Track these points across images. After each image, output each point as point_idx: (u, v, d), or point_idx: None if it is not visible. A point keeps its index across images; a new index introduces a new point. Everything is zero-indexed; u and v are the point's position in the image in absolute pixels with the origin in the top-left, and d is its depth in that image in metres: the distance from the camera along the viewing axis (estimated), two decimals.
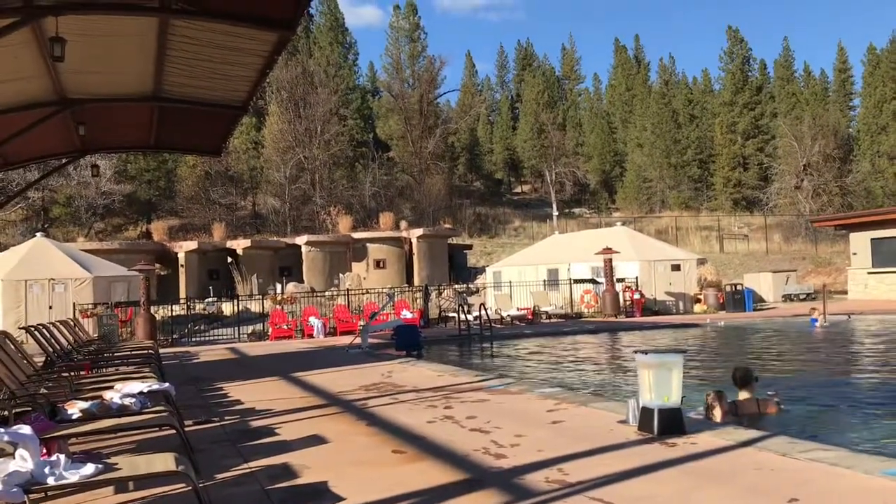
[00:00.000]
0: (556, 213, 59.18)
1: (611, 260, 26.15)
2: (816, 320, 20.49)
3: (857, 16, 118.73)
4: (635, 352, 6.46)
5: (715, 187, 65.40)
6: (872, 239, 30.14)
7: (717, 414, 7.37)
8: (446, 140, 64.94)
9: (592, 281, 27.93)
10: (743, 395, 8.22)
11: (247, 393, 10.09)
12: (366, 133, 63.03)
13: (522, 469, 5.30)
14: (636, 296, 26.94)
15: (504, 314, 25.06)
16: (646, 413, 6.22)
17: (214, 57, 9.84)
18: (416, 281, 35.38)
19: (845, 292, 31.61)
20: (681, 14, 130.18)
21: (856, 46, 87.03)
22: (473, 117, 76.61)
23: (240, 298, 26.82)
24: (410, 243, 38.18)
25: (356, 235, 38.64)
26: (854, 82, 73.81)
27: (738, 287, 28.54)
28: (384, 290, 26.25)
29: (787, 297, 31.68)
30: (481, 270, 38.81)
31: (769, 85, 72.33)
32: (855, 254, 31.14)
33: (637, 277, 27.66)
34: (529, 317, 25.44)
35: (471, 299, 27.04)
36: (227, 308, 27.87)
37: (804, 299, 30.83)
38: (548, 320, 25.88)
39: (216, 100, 11.76)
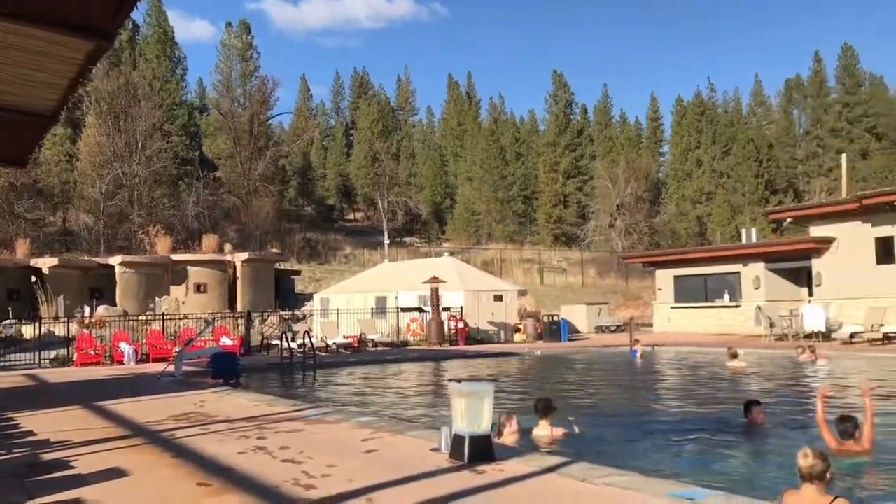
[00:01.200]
0: (387, 241, 59.58)
1: (437, 289, 26.59)
2: (636, 352, 21.79)
3: (666, 69, 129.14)
4: (449, 380, 6.57)
5: (538, 222, 68.42)
6: (675, 276, 32.56)
7: (506, 433, 7.86)
8: (277, 162, 63.88)
9: (419, 309, 28.24)
10: (542, 423, 8.62)
11: (42, 423, 9.31)
12: (192, 151, 60.77)
13: (331, 500, 5.22)
14: (460, 325, 27.52)
15: (330, 342, 24.80)
16: (457, 441, 6.32)
17: (21, 61, 9.14)
18: (240, 306, 34.28)
19: (651, 325, 33.84)
20: (510, 55, 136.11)
21: (666, 97, 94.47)
22: (307, 141, 75.95)
23: (43, 321, 24.82)
24: (235, 267, 36.99)
25: (176, 257, 36.92)
26: (664, 130, 79.99)
27: (555, 318, 29.86)
28: (203, 316, 25.24)
29: (600, 329, 33.51)
30: (309, 297, 38.25)
31: (589, 128, 76.95)
32: (660, 289, 33.48)
33: (462, 307, 28.27)
34: (355, 345, 25.33)
35: (297, 326, 26.56)
36: (28, 331, 25.73)
37: (614, 331, 32.75)
38: (374, 348, 25.88)
39: (21, 106, 10.90)
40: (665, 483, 5.49)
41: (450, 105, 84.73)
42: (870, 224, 25.50)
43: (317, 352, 20.95)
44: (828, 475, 4.99)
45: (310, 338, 20.81)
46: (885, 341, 21.92)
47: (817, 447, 5.19)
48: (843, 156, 37.91)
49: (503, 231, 65.71)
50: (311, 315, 31.43)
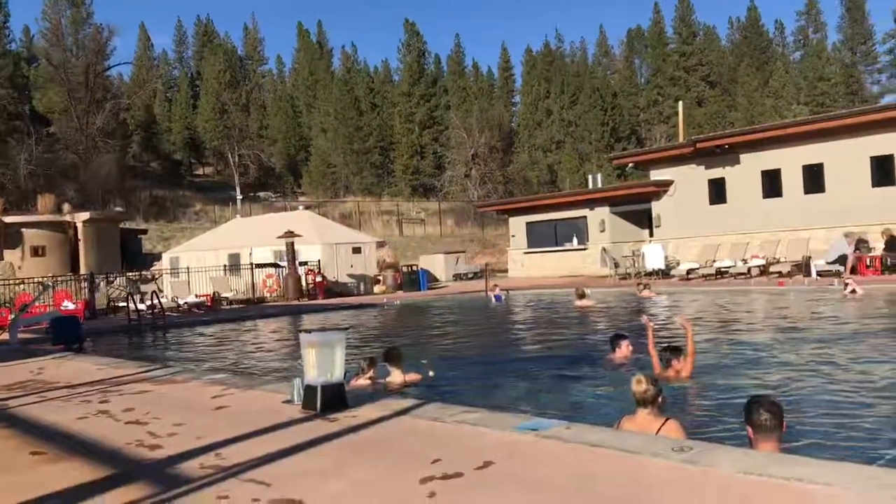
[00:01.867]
0: (239, 196, 57.82)
1: (293, 243, 26.16)
2: (500, 296, 22.37)
3: (516, 20, 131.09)
4: (299, 331, 6.50)
5: (395, 174, 68.36)
6: (527, 222, 33.57)
7: (362, 380, 8.22)
8: (118, 116, 60.32)
9: (275, 265, 27.74)
10: (394, 370, 8.75)
11: None
12: (20, 105, 56.23)
13: (177, 458, 5.07)
14: (318, 279, 27.27)
15: (181, 302, 23.97)
16: (309, 391, 6.28)
17: None
18: (83, 269, 32.43)
19: (506, 270, 34.84)
20: (361, 3, 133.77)
21: (517, 48, 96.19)
22: (149, 93, 72.01)
23: None
24: (75, 228, 34.85)
25: (8, 219, 34.32)
26: (515, 80, 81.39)
27: (414, 268, 30.16)
28: (42, 280, 23.72)
29: (458, 276, 34.17)
30: (158, 257, 36.70)
31: (443, 78, 77.12)
32: (513, 236, 34.45)
33: (319, 260, 27.99)
34: (209, 304, 24.61)
35: (146, 287, 25.40)
36: None
37: (472, 278, 33.50)
38: (228, 306, 25.25)
39: None
40: (513, 417, 5.69)
41: (300, 54, 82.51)
42: (703, 167, 27.17)
43: (167, 312, 20.22)
44: (660, 399, 5.35)
45: (159, 298, 20.03)
46: (718, 276, 23.60)
47: (649, 374, 5.54)
48: (680, 103, 39.98)
49: (361, 183, 65.26)
50: (161, 275, 30.19)
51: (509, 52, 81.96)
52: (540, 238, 33.06)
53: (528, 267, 33.11)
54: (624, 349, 9.56)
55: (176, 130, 73.19)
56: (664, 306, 18.48)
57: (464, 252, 38.01)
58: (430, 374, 8.96)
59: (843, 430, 6.08)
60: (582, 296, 18.77)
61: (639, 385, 5.28)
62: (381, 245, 32.17)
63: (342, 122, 66.19)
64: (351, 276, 29.32)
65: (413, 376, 8.79)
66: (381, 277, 29.78)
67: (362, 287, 29.29)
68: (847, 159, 23.50)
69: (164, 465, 4.97)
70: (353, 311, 22.26)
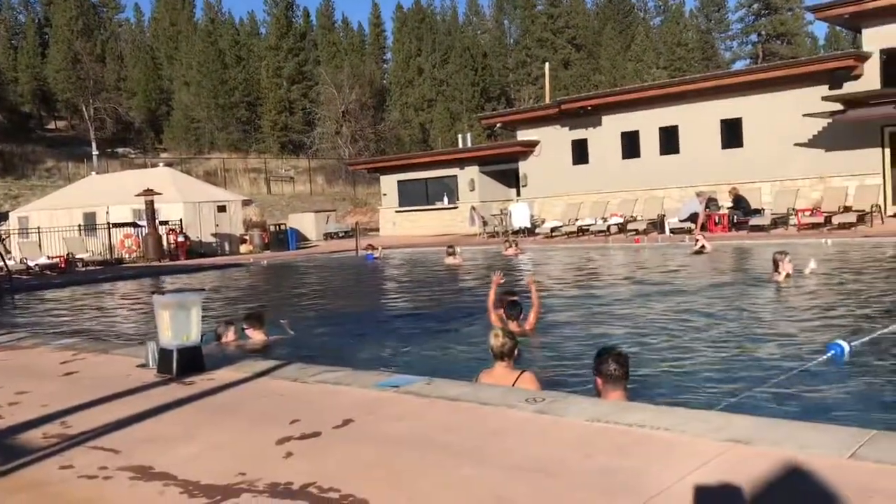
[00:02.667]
0: (95, 152, 54.68)
1: (153, 202, 25.06)
2: (372, 255, 22.27)
3: None
4: (152, 293, 6.25)
5: (263, 130, 66.43)
6: (399, 181, 33.55)
7: (227, 340, 8.25)
8: None
9: (133, 224, 26.52)
10: (254, 332, 8.62)
11: None
12: None
13: (17, 429, 4.80)
14: (180, 238, 26.30)
15: (31, 263, 22.57)
16: (165, 354, 6.08)
17: None
18: None
19: (378, 229, 34.78)
20: None
21: (388, 4, 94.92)
22: None
23: None
24: None
25: None
26: (387, 37, 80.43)
27: (282, 227, 29.61)
28: None
29: (328, 236, 33.84)
30: (5, 216, 34.29)
31: (312, 33, 75.23)
32: (385, 194, 34.37)
33: (181, 220, 26.97)
34: (62, 265, 23.29)
35: None
36: None
37: (342, 237, 33.26)
38: (84, 268, 23.98)
39: None
40: (375, 375, 5.72)
41: (160, 4, 78.22)
42: (567, 128, 27.93)
43: (15, 275, 18.99)
44: (515, 352, 5.50)
45: (5, 260, 18.76)
46: (580, 233, 24.46)
47: (506, 328, 5.69)
48: (546, 65, 40.86)
49: (226, 139, 63.04)
50: (9, 235, 28.26)
51: (380, 7, 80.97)
52: (412, 197, 33.14)
53: (400, 225, 33.18)
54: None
55: (23, 81, 67.97)
56: (527, 263, 19.03)
57: (334, 211, 37.65)
58: (291, 332, 8.89)
59: (686, 378, 6.47)
60: (452, 253, 19.02)
61: (496, 339, 5.42)
62: (247, 203, 31.35)
63: (206, 76, 63.47)
64: (215, 235, 28.46)
65: (273, 337, 8.69)
66: (247, 237, 29.08)
67: (227, 247, 28.51)
68: (700, 122, 24.75)
69: (1, 436, 4.70)
70: (216, 271, 21.65)
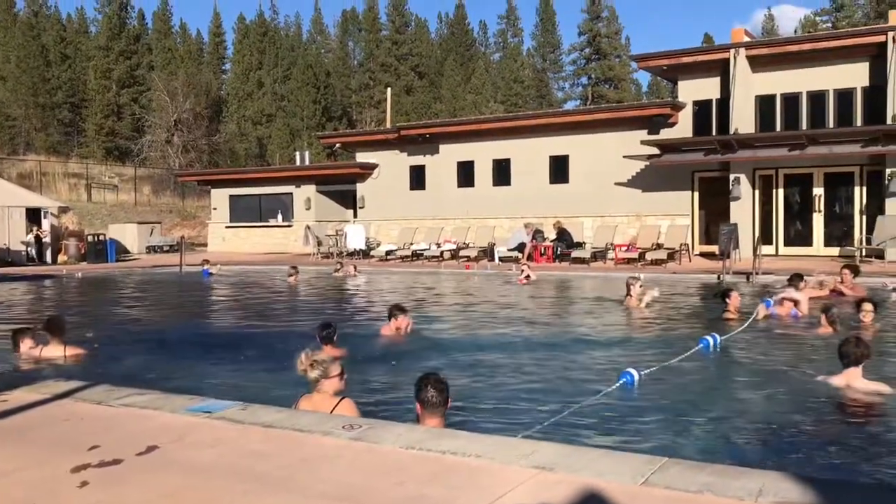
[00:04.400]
0: None
1: None
2: (208, 271, 21.36)
3: None
4: None
5: (87, 134, 62.60)
6: (231, 195, 32.58)
7: (24, 349, 7.89)
8: None
9: None
10: (53, 341, 8.11)
11: None
12: None
13: None
14: None
15: None
16: None
17: None
18: None
19: (206, 245, 33.54)
20: None
21: (229, 14, 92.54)
22: None
23: None
24: None
25: None
26: (227, 47, 78.31)
27: (101, 237, 27.92)
28: None
29: (152, 249, 32.25)
30: None
31: (147, 36, 72.02)
32: (215, 209, 33.25)
33: None
34: None
35: None
36: None
37: (167, 251, 31.79)
38: None
39: None
40: (186, 399, 5.47)
41: None
42: (406, 154, 28.29)
43: None
44: (332, 378, 5.43)
45: None
46: (414, 258, 24.74)
47: (317, 352, 5.60)
48: (389, 90, 41.25)
49: (45, 141, 58.75)
50: None
51: (221, 16, 78.71)
52: (244, 212, 32.26)
53: (229, 241, 32.17)
54: (402, 321, 9.55)
55: None
56: (360, 285, 19.01)
57: (160, 223, 35.94)
58: (95, 346, 8.38)
59: (504, 403, 6.66)
60: (294, 273, 18.84)
61: (300, 365, 5.34)
62: (64, 210, 29.31)
63: (25, 72, 59.02)
64: (26, 243, 26.39)
65: (76, 350, 8.16)
66: (63, 246, 27.17)
67: (40, 257, 26.48)
68: (530, 157, 25.82)
69: None
70: (25, 282, 20.04)
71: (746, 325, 9.93)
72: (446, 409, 4.94)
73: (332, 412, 5.10)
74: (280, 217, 31.09)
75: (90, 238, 27.67)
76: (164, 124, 55.78)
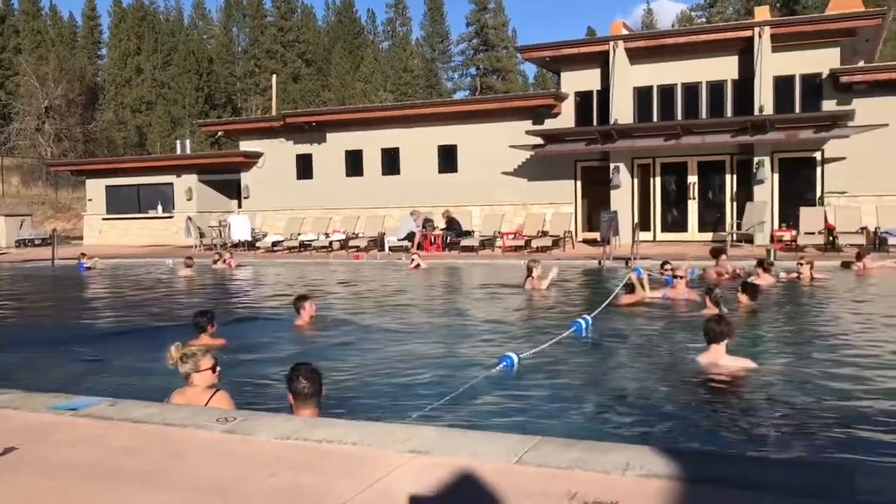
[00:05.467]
0: None
1: None
2: (84, 264, 20.31)
3: None
4: None
5: None
6: (108, 186, 31.16)
7: None
8: None
9: None
10: None
11: None
12: None
13: None
14: None
15: None
16: None
17: None
18: None
19: (81, 238, 31.98)
20: None
21: None
22: None
23: None
24: None
25: None
26: (102, 32, 74.83)
27: None
28: None
29: (22, 243, 30.51)
30: None
31: (13, 17, 67.89)
32: (91, 200, 31.72)
33: None
34: None
35: None
36: None
37: (39, 244, 30.15)
38: None
39: None
40: (49, 397, 5.19)
41: None
42: (292, 142, 27.79)
43: None
44: (192, 376, 5.23)
45: None
46: (302, 248, 24.37)
47: (189, 344, 5.42)
48: (274, 77, 40.39)
49: None
50: None
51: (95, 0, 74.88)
52: (122, 203, 30.89)
53: (107, 234, 30.76)
54: (309, 309, 9.42)
55: None
56: (244, 277, 18.59)
57: (30, 216, 34.00)
58: None
59: (388, 390, 6.65)
60: (189, 266, 18.33)
61: (170, 358, 5.17)
62: None
63: None
64: None
65: None
66: None
67: None
68: (420, 146, 25.86)
69: None
70: None
71: (607, 302, 10.32)
72: (320, 399, 4.86)
73: (206, 405, 4.95)
74: (160, 208, 29.97)
75: None
76: (33, 111, 52.78)
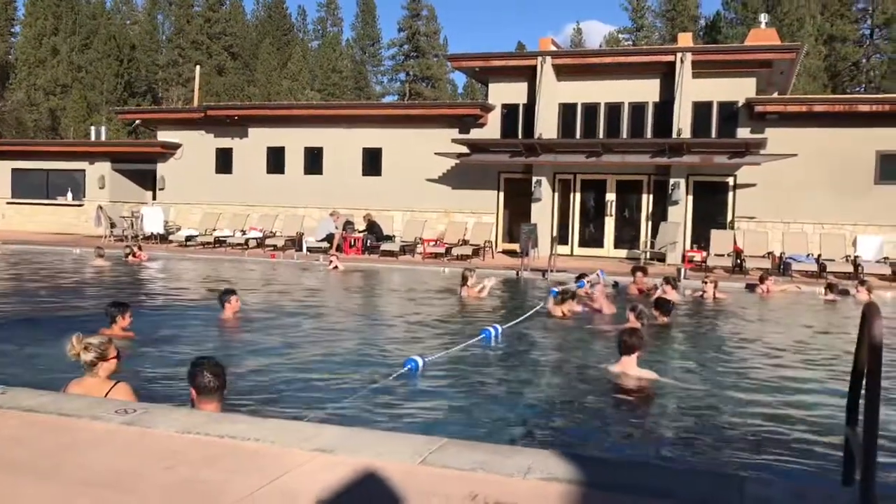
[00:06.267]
0: None
1: None
2: None
3: None
4: None
5: None
6: (14, 169, 29.82)
7: None
8: None
9: None
10: None
11: None
12: None
13: None
14: None
15: None
16: None
17: None
18: None
19: None
20: None
21: None
22: None
23: None
24: None
25: None
26: (17, 9, 71.70)
27: None
28: None
29: None
30: None
31: None
32: None
33: None
34: None
35: None
36: None
37: None
38: None
39: None
40: None
41: None
42: (213, 135, 27.19)
43: None
44: (105, 361, 5.07)
45: None
46: (217, 244, 23.84)
47: (88, 335, 5.22)
48: (198, 68, 39.44)
49: None
50: None
51: None
52: (29, 188, 29.58)
53: (10, 219, 29.39)
54: (232, 306, 9.42)
55: None
56: (157, 271, 18.06)
57: None
58: None
59: (295, 389, 6.56)
60: (101, 255, 17.65)
61: (71, 348, 4.98)
62: None
63: None
64: None
65: None
66: None
67: None
68: (344, 147, 25.65)
69: None
70: None
71: (526, 316, 10.47)
72: (223, 395, 4.74)
73: (105, 396, 4.78)
74: (70, 195, 28.84)
75: None
76: None
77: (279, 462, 3.54)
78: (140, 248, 19.85)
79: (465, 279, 13.09)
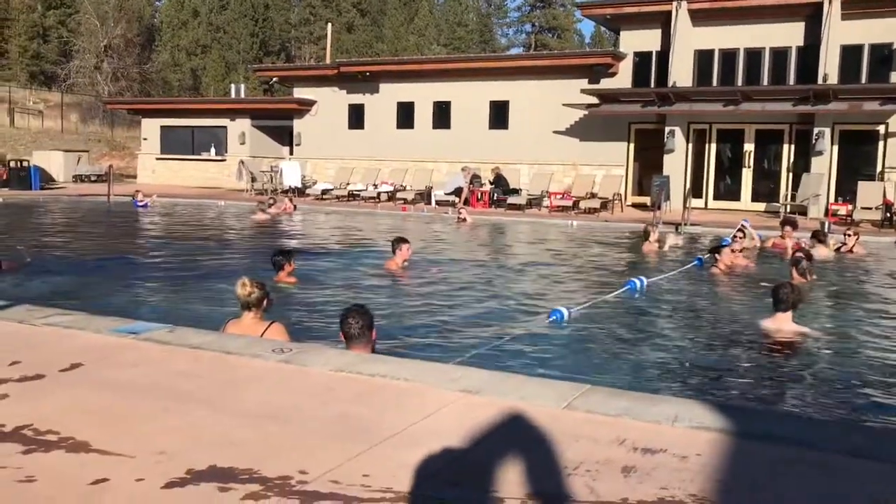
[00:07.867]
0: None
1: None
2: (139, 201, 20.85)
3: None
4: None
5: (10, 56, 59.53)
6: (162, 126, 31.59)
7: None
8: None
9: None
10: None
11: None
12: None
13: None
14: None
15: None
16: None
17: None
18: None
19: (135, 176, 32.59)
20: None
21: None
22: None
23: None
24: None
25: None
26: None
27: (24, 164, 26.88)
28: None
29: (79, 178, 31.21)
30: None
31: None
32: (146, 139, 32.23)
33: None
34: None
35: None
36: None
37: (95, 180, 30.82)
38: None
39: None
40: (111, 320, 5.38)
41: None
42: (345, 91, 27.80)
43: None
44: (265, 302, 5.41)
45: None
46: (350, 198, 24.52)
47: (256, 278, 5.56)
48: (329, 25, 40.29)
49: None
50: None
51: None
52: (176, 144, 31.33)
53: (160, 174, 31.27)
54: (405, 252, 9.68)
55: None
56: (296, 222, 18.86)
57: (87, 152, 34.71)
58: (28, 259, 8.19)
59: (440, 334, 6.75)
60: (264, 209, 18.60)
61: (242, 288, 5.29)
62: None
63: None
64: None
65: (9, 263, 7.95)
66: None
67: None
68: (471, 101, 25.66)
69: None
70: None
71: (675, 272, 10.22)
72: (371, 340, 4.89)
73: (262, 336, 5.08)
74: (213, 151, 30.33)
75: (12, 164, 26.58)
76: (93, 49, 53.43)
77: (428, 400, 3.67)
78: (291, 201, 20.68)
79: (646, 234, 13.10)
